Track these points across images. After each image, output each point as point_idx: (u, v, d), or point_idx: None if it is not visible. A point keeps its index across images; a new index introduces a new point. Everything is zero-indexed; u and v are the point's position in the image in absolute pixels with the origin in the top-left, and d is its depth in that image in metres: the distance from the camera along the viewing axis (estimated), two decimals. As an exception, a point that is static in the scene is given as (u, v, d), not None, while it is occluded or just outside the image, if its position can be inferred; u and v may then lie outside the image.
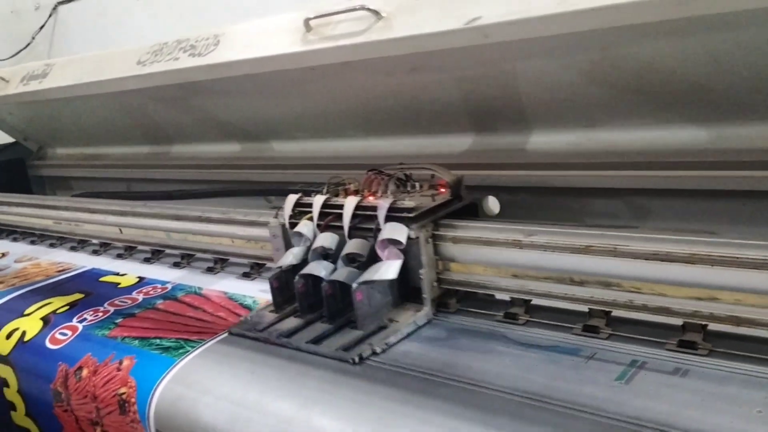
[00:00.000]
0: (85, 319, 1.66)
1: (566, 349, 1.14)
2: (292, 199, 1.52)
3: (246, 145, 2.23)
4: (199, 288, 1.75)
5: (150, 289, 1.81)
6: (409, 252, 1.31)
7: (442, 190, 1.40)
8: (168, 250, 2.04)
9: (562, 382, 1.04)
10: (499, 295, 1.31)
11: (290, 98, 1.88)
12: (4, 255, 2.46)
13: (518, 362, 1.11)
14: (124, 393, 1.35)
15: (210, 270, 1.89)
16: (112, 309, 1.69)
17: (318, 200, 1.46)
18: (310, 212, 1.46)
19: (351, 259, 1.37)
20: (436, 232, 1.33)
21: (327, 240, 1.41)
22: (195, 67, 1.16)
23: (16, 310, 1.83)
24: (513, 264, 1.22)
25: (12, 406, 1.74)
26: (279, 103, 1.93)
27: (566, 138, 1.47)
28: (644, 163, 1.38)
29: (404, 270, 1.31)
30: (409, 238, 1.30)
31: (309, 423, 1.08)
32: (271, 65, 1.06)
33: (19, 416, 1.72)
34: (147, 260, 2.07)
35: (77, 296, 1.82)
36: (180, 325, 1.53)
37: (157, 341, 1.45)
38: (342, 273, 1.34)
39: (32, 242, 2.58)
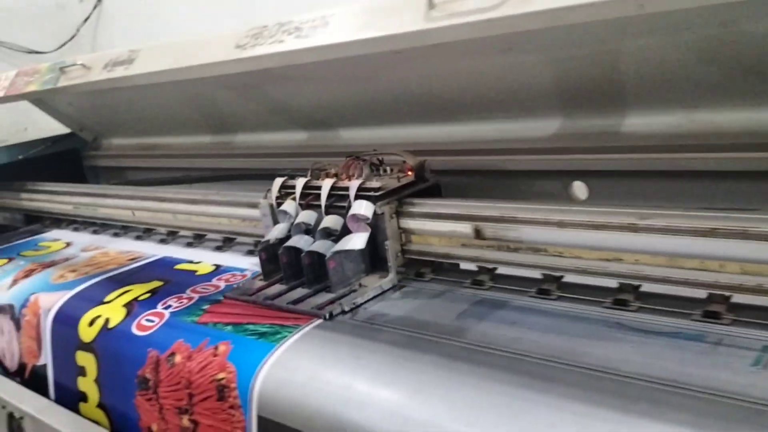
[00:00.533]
0: (170, 305, 1.66)
1: (689, 335, 1.11)
2: (278, 181, 1.73)
3: (313, 133, 2.21)
4: (277, 276, 1.74)
5: (229, 276, 1.81)
6: (376, 226, 1.52)
7: (408, 173, 1.60)
8: (240, 238, 2.03)
9: (694, 368, 1.00)
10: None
11: (365, 83, 1.86)
12: (68, 245, 2.48)
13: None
14: (222, 378, 1.34)
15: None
16: (196, 296, 1.68)
17: (300, 182, 1.68)
18: (294, 193, 1.67)
19: (327, 233, 1.58)
20: (400, 209, 1.53)
21: (307, 217, 1.63)
22: (302, 50, 1.14)
23: (94, 298, 1.83)
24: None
25: (83, 397, 1.74)
26: (352, 88, 1.91)
27: (666, 119, 1.43)
28: (750, 144, 1.33)
29: (374, 242, 1.53)
30: (375, 214, 1.51)
31: (417, 408, 1.07)
32: (389, 45, 1.04)
33: (90, 408, 1.72)
34: (218, 248, 2.06)
35: (156, 284, 1.82)
36: (269, 311, 1.51)
37: (251, 327, 1.44)
38: (319, 245, 1.56)
39: (95, 231, 2.59)
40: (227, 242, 2.06)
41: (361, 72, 1.78)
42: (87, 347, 1.71)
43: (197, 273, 1.88)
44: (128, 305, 1.72)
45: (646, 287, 1.24)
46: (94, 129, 3.09)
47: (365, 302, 1.45)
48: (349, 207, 1.53)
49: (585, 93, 1.51)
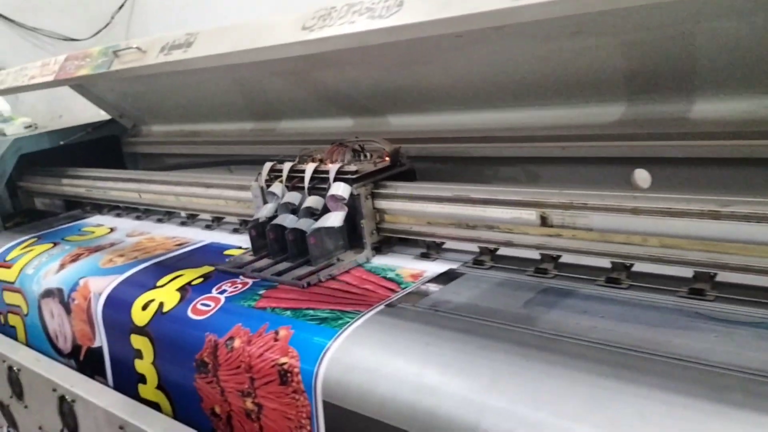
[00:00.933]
0: (224, 290, 1.65)
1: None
2: (267, 165, 1.90)
3: (360, 119, 2.19)
4: (337, 261, 1.73)
5: None
6: (353, 206, 1.67)
7: (386, 158, 1.76)
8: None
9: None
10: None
11: (419, 68, 1.83)
12: (112, 230, 2.48)
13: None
14: (285, 363, 1.33)
15: (336, 243, 1.86)
16: (250, 281, 1.67)
17: (286, 166, 1.84)
18: (281, 176, 1.83)
19: (310, 212, 1.73)
20: (375, 191, 1.68)
21: (292, 197, 1.78)
22: (375, 30, 1.12)
23: (145, 282, 1.83)
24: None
25: (142, 379, 1.74)
26: (404, 73, 1.88)
27: (737, 105, 1.39)
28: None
29: (352, 221, 1.69)
30: (352, 195, 1.66)
31: (496, 396, 1.04)
32: (470, 24, 1.01)
33: (149, 389, 1.72)
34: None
35: (208, 269, 1.81)
36: (328, 297, 1.50)
37: (311, 312, 1.43)
38: (301, 222, 1.71)
39: (137, 217, 2.59)
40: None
41: (417, 56, 1.75)
42: (141, 331, 1.71)
43: (251, 259, 1.87)
44: (182, 290, 1.71)
45: (721, 276, 1.21)
46: (134, 115, 3.09)
47: (340, 274, 1.63)
48: (328, 188, 1.68)
49: (653, 77, 1.47)
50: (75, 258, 2.15)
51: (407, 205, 1.62)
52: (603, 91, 1.55)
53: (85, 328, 1.92)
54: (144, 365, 1.72)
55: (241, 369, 1.43)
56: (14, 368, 2.02)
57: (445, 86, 1.83)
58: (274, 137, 2.46)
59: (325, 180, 1.71)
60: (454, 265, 1.56)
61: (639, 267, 1.29)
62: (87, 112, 3.28)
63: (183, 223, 2.37)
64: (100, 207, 2.79)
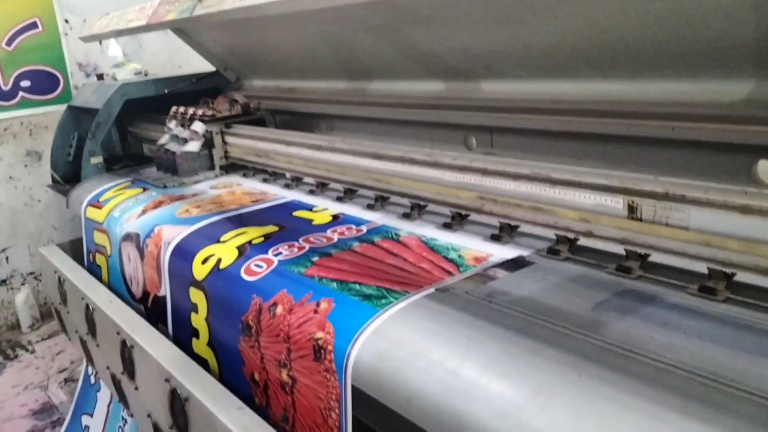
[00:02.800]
0: (280, 252, 1.57)
1: None
2: (173, 108, 2.69)
3: (451, 83, 2.02)
4: (397, 234, 1.60)
5: (344, 229, 1.69)
6: (211, 139, 2.51)
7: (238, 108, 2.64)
8: (362, 191, 1.90)
9: None
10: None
11: (516, 28, 1.62)
12: (198, 181, 2.48)
13: None
14: (320, 338, 1.23)
15: (406, 216, 1.72)
16: (307, 246, 1.58)
17: (181, 109, 2.65)
18: (177, 116, 2.67)
19: (183, 141, 2.54)
20: (224, 130, 2.53)
21: (178, 130, 2.59)
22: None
23: (211, 236, 1.79)
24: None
25: (195, 333, 1.71)
26: (500, 33, 1.69)
27: None
28: None
29: (210, 150, 2.52)
30: (206, 131, 2.51)
31: (534, 412, 0.88)
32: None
33: (201, 345, 1.69)
34: (339, 199, 1.95)
35: (272, 228, 1.74)
36: (379, 272, 1.37)
37: (357, 287, 1.31)
38: (174, 147, 2.56)
39: (244, 175, 2.58)
40: (349, 193, 1.94)
41: (513, 13, 1.56)
42: (198, 285, 1.67)
43: (313, 222, 1.78)
44: (241, 248, 1.65)
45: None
46: (237, 69, 3.08)
47: (193, 183, 2.40)
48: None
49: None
50: (157, 205, 2.17)
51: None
52: (727, 64, 1.29)
53: (153, 275, 1.93)
54: (198, 320, 1.69)
55: (281, 338, 1.34)
56: (90, 307, 2.07)
57: (543, 49, 1.62)
58: (366, 98, 2.34)
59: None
60: (525, 252, 1.38)
61: (742, 277, 1.06)
62: (204, 65, 3.32)
63: (265, 180, 2.33)
64: (196, 157, 2.83)
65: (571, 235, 1.31)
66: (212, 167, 2.53)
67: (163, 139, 2.61)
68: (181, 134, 2.54)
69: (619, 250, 1.24)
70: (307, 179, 2.14)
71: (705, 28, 1.25)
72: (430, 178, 1.63)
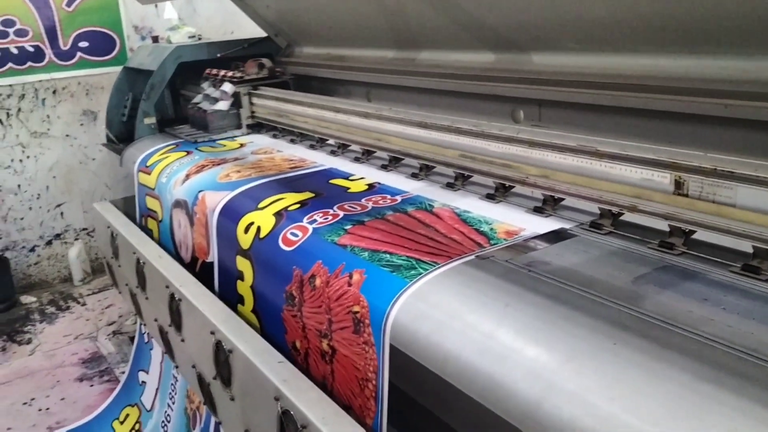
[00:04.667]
0: (315, 220, 1.60)
1: None
2: (207, 70, 2.91)
3: (501, 55, 2.01)
4: (431, 205, 1.61)
5: (379, 198, 1.71)
6: (238, 99, 2.73)
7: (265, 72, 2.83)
8: (407, 159, 1.92)
9: None
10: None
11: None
12: (242, 145, 2.53)
13: None
14: (357, 312, 1.26)
15: (450, 186, 1.74)
16: (341, 213, 1.61)
17: (213, 71, 2.86)
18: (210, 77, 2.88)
19: (214, 100, 2.74)
20: (252, 91, 2.75)
21: (210, 90, 2.79)
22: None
23: (251, 201, 1.83)
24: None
25: (241, 300, 1.76)
26: (551, 4, 1.67)
27: None
28: None
29: (239, 109, 2.74)
30: (235, 92, 2.71)
31: (566, 376, 0.89)
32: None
33: (246, 311, 1.74)
34: (384, 167, 1.97)
35: (308, 195, 1.78)
36: (410, 242, 1.39)
37: (387, 257, 1.33)
38: (206, 105, 2.76)
39: (274, 135, 2.63)
40: (393, 162, 1.97)
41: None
42: (245, 254, 1.72)
43: (349, 190, 1.80)
44: (278, 215, 1.69)
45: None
46: (288, 35, 3.11)
47: (221, 139, 2.65)
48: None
49: None
50: (199, 169, 2.22)
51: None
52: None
53: (202, 241, 1.99)
54: (244, 287, 1.73)
55: (322, 309, 1.38)
56: (141, 261, 2.15)
57: (595, 22, 1.60)
58: (414, 67, 2.35)
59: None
60: (567, 225, 1.39)
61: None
62: (256, 31, 3.35)
63: (312, 146, 2.36)
64: (245, 122, 2.89)
65: (615, 210, 1.31)
66: (240, 125, 2.73)
67: (197, 98, 2.82)
68: (212, 94, 2.73)
69: (663, 226, 1.23)
70: (353, 147, 2.17)
71: (763, 3, 1.21)
72: (475, 149, 1.63)
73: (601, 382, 0.87)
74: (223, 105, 2.69)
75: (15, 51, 3.96)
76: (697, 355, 0.87)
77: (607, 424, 0.81)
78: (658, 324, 0.96)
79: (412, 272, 1.25)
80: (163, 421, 2.47)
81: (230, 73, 2.74)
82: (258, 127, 2.75)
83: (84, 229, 4.43)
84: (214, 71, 2.82)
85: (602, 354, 0.91)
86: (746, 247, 1.09)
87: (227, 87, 2.67)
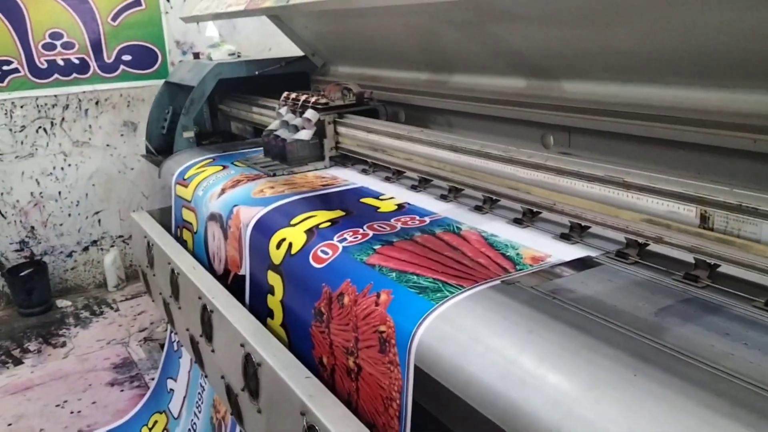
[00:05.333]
0: (345, 239, 1.64)
1: None
2: (284, 93, 2.61)
3: (532, 81, 2.04)
4: (458, 227, 1.64)
5: (408, 219, 1.75)
6: (320, 128, 2.40)
7: (352, 97, 2.49)
8: (436, 181, 1.95)
9: None
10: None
11: (604, 28, 1.63)
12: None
13: None
14: (384, 332, 1.30)
15: (478, 209, 1.77)
16: (371, 233, 1.65)
17: (292, 95, 2.57)
18: (288, 102, 2.57)
19: (294, 128, 2.47)
20: (337, 119, 2.40)
21: (289, 117, 2.51)
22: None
23: (282, 219, 1.88)
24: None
25: (271, 314, 1.81)
26: (584, 34, 1.70)
27: None
28: None
29: (321, 139, 2.41)
30: (319, 120, 2.38)
31: (587, 405, 0.92)
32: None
33: (275, 325, 1.78)
34: (414, 187, 2.01)
35: (339, 213, 1.82)
36: (437, 264, 1.42)
37: (414, 278, 1.37)
38: (285, 134, 2.48)
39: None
40: (423, 182, 2.00)
41: (601, 13, 1.56)
42: (276, 269, 1.76)
43: (379, 210, 1.84)
44: (309, 232, 1.73)
45: None
46: (325, 55, 3.18)
47: (301, 173, 2.33)
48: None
49: None
50: (235, 184, 2.28)
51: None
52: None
53: (235, 254, 2.04)
54: (274, 301, 1.78)
55: (349, 327, 1.42)
56: (175, 271, 2.21)
57: (627, 52, 1.63)
58: (447, 90, 2.39)
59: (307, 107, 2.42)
60: (593, 253, 1.41)
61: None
62: (293, 49, 3.44)
63: (344, 165, 2.41)
64: (279, 138, 2.95)
65: (641, 240, 1.32)
66: (322, 157, 2.42)
67: (273, 125, 2.57)
68: (292, 121, 2.46)
69: (689, 257, 1.25)
70: (383, 167, 2.21)
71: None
72: (504, 174, 1.66)
73: (620, 412, 0.89)
74: (305, 134, 2.38)
75: (61, 63, 4.12)
76: (716, 389, 0.89)
77: (624, 453, 0.83)
78: (679, 357, 0.98)
79: (438, 295, 1.28)
80: (189, 429, 2.53)
81: (313, 99, 2.43)
82: (342, 159, 2.41)
83: (120, 237, 4.55)
84: (293, 95, 2.54)
85: (623, 384, 0.93)
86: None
87: (311, 114, 2.35)
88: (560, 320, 1.11)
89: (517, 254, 1.44)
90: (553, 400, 0.96)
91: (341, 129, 2.37)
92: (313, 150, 2.40)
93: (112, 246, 4.52)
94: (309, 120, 2.35)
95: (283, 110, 2.51)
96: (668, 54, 1.55)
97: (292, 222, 1.82)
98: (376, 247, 1.56)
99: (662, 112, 1.61)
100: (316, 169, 2.34)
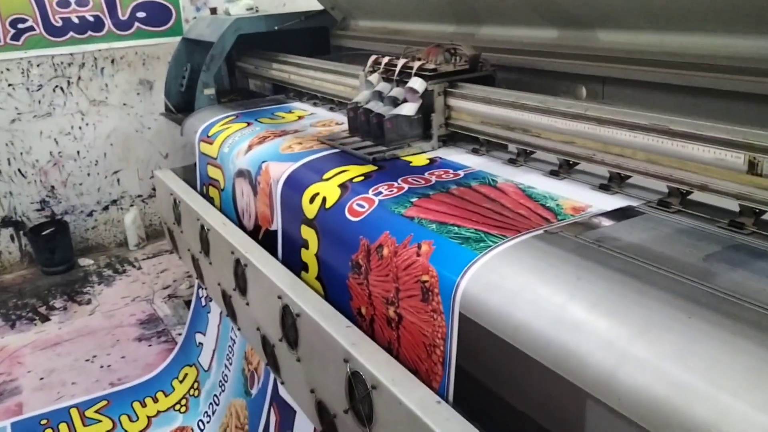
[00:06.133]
0: (380, 192, 1.64)
1: None
2: (373, 58, 2.13)
3: (565, 32, 2.01)
4: (494, 180, 1.64)
5: (442, 172, 1.74)
6: (427, 99, 1.92)
7: (464, 62, 1.98)
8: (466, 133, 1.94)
9: None
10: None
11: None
12: (300, 117, 2.58)
13: None
14: (426, 281, 1.31)
15: (512, 162, 1.76)
16: (406, 186, 1.65)
17: (384, 60, 2.07)
18: (380, 68, 2.08)
19: (393, 101, 1.97)
20: (448, 89, 1.93)
21: (383, 87, 2.04)
22: None
23: (315, 173, 1.88)
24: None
25: (305, 267, 1.83)
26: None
27: None
28: None
29: (426, 114, 1.95)
30: (426, 90, 1.90)
31: (648, 349, 0.93)
32: None
33: (310, 278, 1.80)
34: (443, 141, 2.00)
35: (371, 167, 1.82)
36: (477, 215, 1.43)
37: (455, 229, 1.37)
38: (382, 108, 1.98)
39: (331, 109, 2.67)
40: (452, 136, 1.99)
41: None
42: (310, 223, 1.77)
43: (412, 164, 1.84)
44: (342, 186, 1.74)
45: None
46: (344, 8, 3.13)
47: (405, 156, 1.89)
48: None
49: None
50: (261, 140, 2.28)
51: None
52: None
53: (266, 210, 2.05)
54: (309, 255, 1.79)
55: (389, 278, 1.43)
56: (205, 227, 2.23)
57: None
58: (475, 43, 2.35)
59: (409, 74, 1.94)
60: (634, 203, 1.41)
61: None
62: (309, 3, 3.39)
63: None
64: (301, 94, 2.92)
65: (685, 188, 1.32)
66: (427, 136, 1.96)
67: (361, 97, 2.08)
68: (389, 92, 2.00)
69: (731, 205, 1.25)
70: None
71: None
72: (542, 125, 1.65)
73: (675, 353, 0.90)
74: (409, 108, 1.91)
75: (76, 20, 4.08)
76: (770, 330, 0.90)
77: (682, 390, 0.85)
78: (730, 299, 0.99)
79: (482, 245, 1.29)
80: (220, 381, 2.59)
81: (417, 64, 1.94)
82: (452, 138, 1.97)
83: (139, 196, 4.58)
84: (385, 60, 2.06)
85: (677, 326, 0.94)
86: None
87: (417, 84, 1.88)
88: (608, 267, 1.12)
89: (557, 205, 1.44)
90: (607, 343, 0.97)
91: (452, 101, 1.92)
92: (416, 127, 1.95)
93: (132, 205, 4.55)
94: (414, 91, 1.89)
95: (373, 78, 2.07)
96: (707, 1, 1.52)
97: (325, 177, 1.82)
98: (413, 199, 1.57)
99: (700, 60, 1.59)
100: (423, 152, 1.92)
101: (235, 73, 3.55)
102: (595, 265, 1.13)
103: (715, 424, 0.80)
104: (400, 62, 1.97)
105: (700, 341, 0.90)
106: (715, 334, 0.91)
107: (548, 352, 1.03)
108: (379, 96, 2.02)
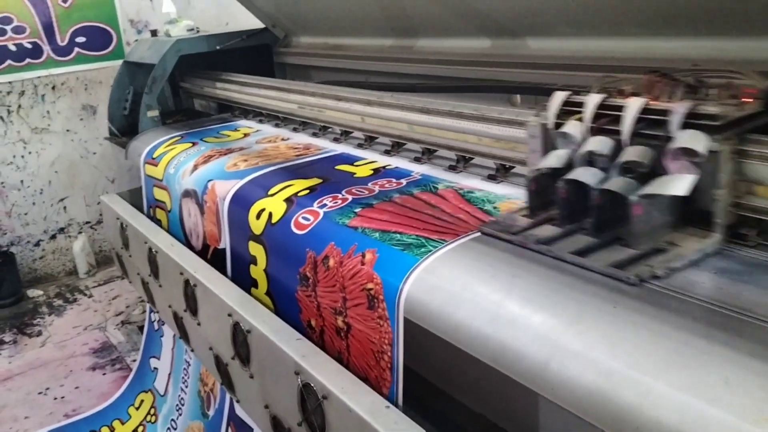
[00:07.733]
0: (325, 204, 1.67)
1: None
2: (559, 96, 1.36)
3: (497, 41, 2.08)
4: (435, 187, 1.69)
5: (385, 182, 1.78)
6: (703, 167, 1.13)
7: (749, 99, 1.14)
8: (410, 144, 1.99)
9: None
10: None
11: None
12: (246, 135, 2.59)
13: None
14: (371, 289, 1.34)
15: (452, 168, 1.81)
16: (350, 197, 1.68)
17: (593, 99, 1.29)
18: (580, 112, 1.30)
19: (627, 169, 1.20)
20: (742, 148, 1.12)
21: (599, 144, 1.25)
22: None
23: (261, 189, 1.89)
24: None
25: (254, 283, 1.84)
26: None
27: None
28: None
29: (697, 189, 1.14)
30: (708, 151, 1.11)
31: (578, 340, 0.97)
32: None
33: (260, 293, 1.81)
34: (387, 152, 2.04)
35: (316, 181, 1.84)
36: (419, 222, 1.47)
37: (398, 236, 1.41)
38: (617, 182, 1.19)
39: (276, 125, 2.69)
40: (396, 147, 2.03)
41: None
42: (257, 239, 1.78)
43: (355, 175, 1.87)
44: (288, 200, 1.75)
45: None
46: (286, 26, 3.16)
47: (683, 268, 1.09)
48: (668, 137, 1.15)
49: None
50: (207, 159, 2.28)
51: None
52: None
53: (213, 229, 2.06)
54: (257, 271, 1.80)
55: (336, 288, 1.46)
56: (153, 250, 2.22)
57: (589, 6, 1.67)
58: (412, 55, 2.41)
59: (658, 124, 1.17)
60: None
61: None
62: (250, 23, 3.41)
63: (314, 134, 2.43)
64: (246, 112, 2.93)
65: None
66: (687, 225, 1.19)
67: (551, 160, 1.33)
68: (610, 152, 1.24)
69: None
70: (355, 133, 2.23)
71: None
72: (477, 132, 1.70)
73: (603, 342, 0.95)
74: (683, 185, 1.12)
75: (13, 48, 4.00)
76: (687, 313, 0.95)
77: (609, 376, 0.89)
78: (654, 289, 1.04)
79: (422, 249, 1.32)
80: (177, 405, 2.56)
81: (680, 105, 1.15)
82: (744, 226, 1.15)
83: (87, 222, 4.49)
84: (592, 99, 1.28)
85: (604, 317, 0.99)
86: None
87: (697, 140, 1.11)
88: (538, 263, 1.17)
89: (494, 207, 1.49)
90: (540, 336, 1.01)
91: (752, 168, 1.12)
92: (667, 212, 1.18)
93: (80, 232, 4.46)
94: (692, 153, 1.12)
95: (574, 129, 1.30)
96: (629, 6, 1.60)
97: (270, 192, 1.84)
98: (356, 210, 1.59)
99: (627, 63, 1.66)
100: (705, 255, 1.12)
101: (180, 94, 3.54)
102: (525, 263, 1.18)
103: (639, 406, 0.84)
104: (633, 103, 1.21)
105: (626, 329, 0.96)
106: (640, 322, 0.96)
107: (487, 348, 1.07)
108: (589, 159, 1.28)
